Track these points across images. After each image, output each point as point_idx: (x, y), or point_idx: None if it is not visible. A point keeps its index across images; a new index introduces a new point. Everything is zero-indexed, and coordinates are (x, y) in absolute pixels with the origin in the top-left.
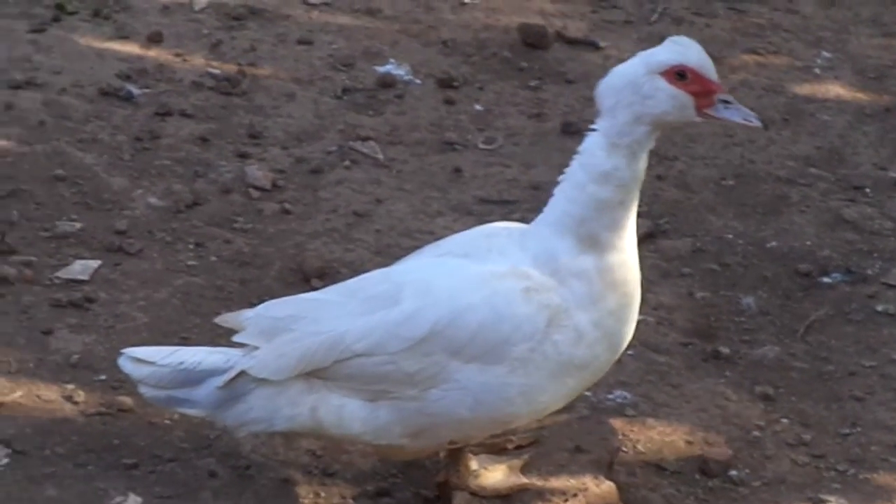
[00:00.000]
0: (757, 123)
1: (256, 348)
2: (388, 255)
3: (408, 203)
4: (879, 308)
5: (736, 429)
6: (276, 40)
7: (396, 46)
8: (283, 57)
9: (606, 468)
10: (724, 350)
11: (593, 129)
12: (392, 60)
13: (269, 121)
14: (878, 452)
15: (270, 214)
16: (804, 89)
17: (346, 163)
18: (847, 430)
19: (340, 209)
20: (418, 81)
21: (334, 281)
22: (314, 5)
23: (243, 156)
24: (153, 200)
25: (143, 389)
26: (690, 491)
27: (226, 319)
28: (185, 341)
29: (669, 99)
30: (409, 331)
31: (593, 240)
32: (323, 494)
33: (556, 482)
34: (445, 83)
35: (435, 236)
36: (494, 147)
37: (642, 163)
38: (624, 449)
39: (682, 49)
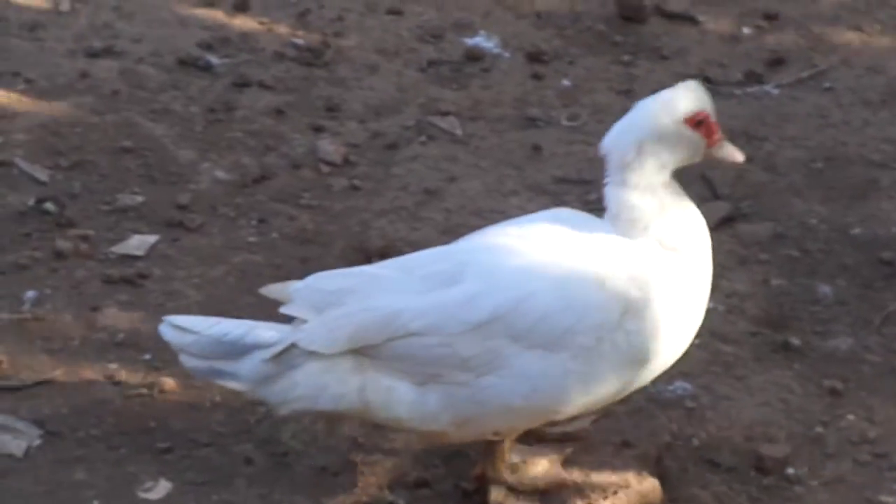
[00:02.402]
0: (741, 160)
1: (304, 321)
2: (455, 234)
3: (481, 181)
4: None
5: (798, 424)
6: (366, 9)
7: (488, 18)
8: (370, 27)
9: (653, 464)
10: (795, 341)
11: (612, 184)
12: (482, 32)
13: (349, 93)
14: None
15: (339, 190)
16: None
17: (423, 138)
18: None
19: (411, 186)
20: (507, 55)
21: None
22: None
23: (318, 129)
24: (220, 174)
25: (184, 359)
26: (743, 489)
27: (272, 290)
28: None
29: (693, 146)
30: (470, 314)
31: (674, 243)
32: (360, 483)
33: (598, 478)
34: (534, 57)
35: (506, 216)
36: (578, 124)
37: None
38: (678, 443)
39: (700, 96)
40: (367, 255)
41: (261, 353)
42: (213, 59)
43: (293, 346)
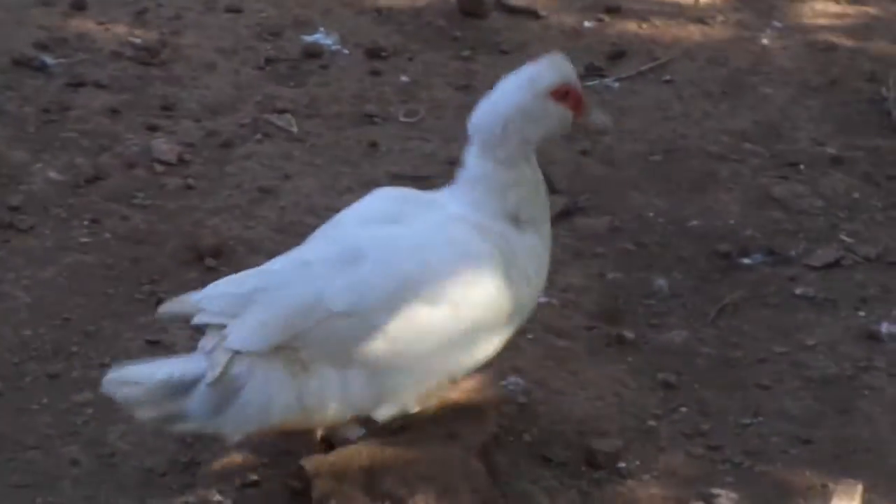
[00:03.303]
0: (610, 126)
1: (223, 327)
2: (289, 232)
3: (317, 178)
4: (798, 291)
5: (631, 418)
6: (204, 8)
7: (328, 15)
8: (208, 25)
9: (479, 453)
10: (629, 335)
11: (474, 153)
12: (321, 29)
13: (185, 92)
14: (778, 444)
15: (173, 190)
16: (748, 61)
17: (259, 136)
18: (748, 420)
19: (245, 185)
20: (346, 51)
21: (230, 260)
22: None
23: (153, 128)
24: (53, 175)
25: (138, 413)
26: (574, 483)
27: (171, 307)
28: (66, 322)
29: (559, 118)
30: (383, 282)
31: (531, 219)
32: (188, 484)
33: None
34: (373, 53)
35: None
36: (415, 120)
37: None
38: (510, 438)
39: (564, 69)
40: (200, 254)
41: (204, 382)
42: (49, 59)
43: (229, 365)
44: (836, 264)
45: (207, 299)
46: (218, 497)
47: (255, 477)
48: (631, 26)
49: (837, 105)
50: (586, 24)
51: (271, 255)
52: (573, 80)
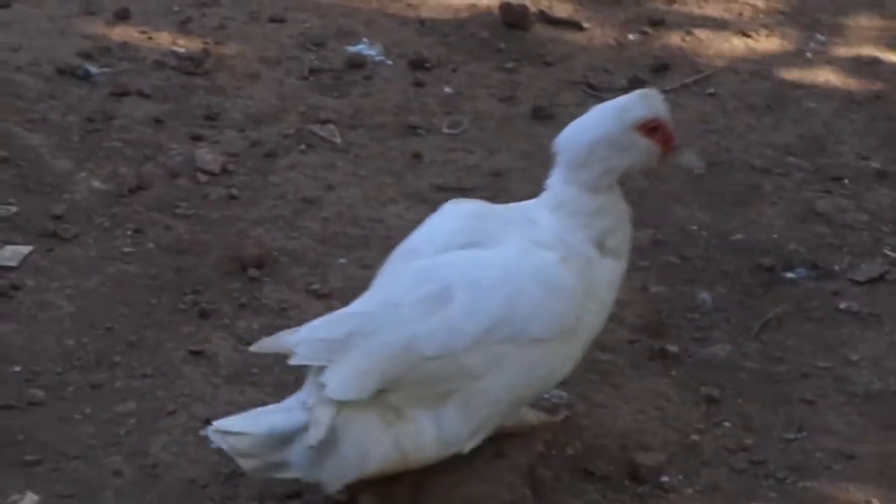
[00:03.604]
0: (703, 166)
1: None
2: (333, 243)
3: (360, 189)
4: (842, 306)
5: (674, 432)
6: (248, 18)
7: (372, 25)
8: (252, 35)
9: (525, 474)
10: (673, 348)
11: (558, 177)
12: (365, 40)
13: (229, 102)
14: (822, 459)
15: (216, 200)
16: (792, 74)
17: (302, 146)
18: (792, 436)
19: (289, 195)
20: (389, 62)
21: (273, 270)
22: None
23: (196, 138)
24: (96, 184)
25: (242, 462)
26: (617, 497)
27: (265, 345)
28: (109, 332)
29: (644, 152)
30: (473, 324)
31: (617, 251)
32: (230, 496)
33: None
34: (417, 64)
35: (384, 224)
36: (459, 132)
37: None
38: (553, 452)
39: (655, 104)
40: (243, 265)
41: (304, 436)
42: (92, 69)
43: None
44: (880, 279)
45: (304, 343)
46: None
47: (297, 489)
48: (675, 39)
49: (882, 119)
50: (630, 36)
51: (314, 265)
52: (664, 117)
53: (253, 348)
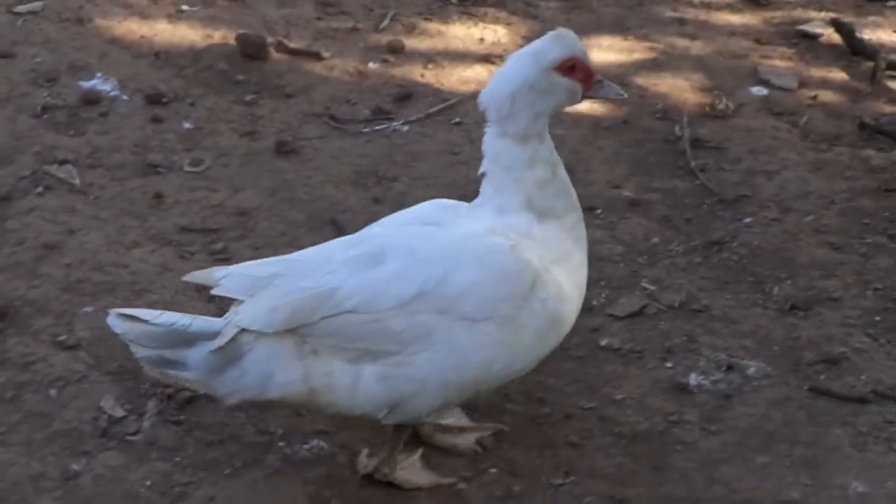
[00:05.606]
0: (624, 96)
1: (239, 303)
2: (77, 290)
3: (102, 233)
4: (603, 342)
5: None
6: None
7: (105, 59)
8: None
9: None
10: None
11: (490, 132)
12: (99, 74)
13: None
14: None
15: None
16: None
17: (40, 189)
18: (560, 480)
19: (28, 241)
20: (125, 97)
21: (15, 322)
22: (19, 14)
23: None
24: None
25: (135, 349)
26: None
27: (196, 276)
28: None
29: (566, 91)
30: (400, 288)
31: (549, 210)
32: None
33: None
34: (154, 99)
35: (129, 269)
36: (201, 169)
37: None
38: None
39: (569, 43)
40: None
41: (207, 343)
42: None
43: (237, 335)
44: (640, 313)
45: (231, 277)
46: None
47: None
48: (416, 67)
49: (630, 145)
50: (371, 65)
51: (59, 315)
52: (580, 54)
53: (185, 278)
